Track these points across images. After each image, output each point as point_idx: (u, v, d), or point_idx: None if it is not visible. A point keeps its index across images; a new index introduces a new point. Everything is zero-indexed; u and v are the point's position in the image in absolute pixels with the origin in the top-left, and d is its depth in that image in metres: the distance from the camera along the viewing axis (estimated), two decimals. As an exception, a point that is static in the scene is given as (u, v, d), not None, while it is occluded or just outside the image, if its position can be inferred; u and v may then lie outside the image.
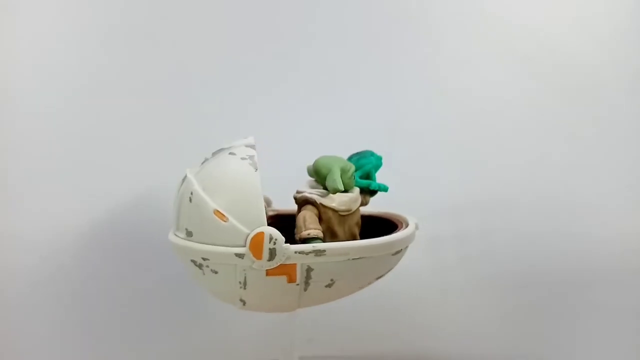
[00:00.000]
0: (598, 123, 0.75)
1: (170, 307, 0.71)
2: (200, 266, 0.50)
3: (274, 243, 0.47)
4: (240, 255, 0.47)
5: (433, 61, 0.75)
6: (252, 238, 0.47)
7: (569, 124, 0.75)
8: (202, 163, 0.53)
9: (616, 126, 0.75)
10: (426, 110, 0.74)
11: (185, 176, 0.51)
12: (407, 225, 0.54)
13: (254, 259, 0.47)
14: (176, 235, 0.51)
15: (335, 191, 0.52)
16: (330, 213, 0.52)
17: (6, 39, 0.67)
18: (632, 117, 0.75)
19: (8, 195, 0.67)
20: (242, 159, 0.50)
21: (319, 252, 0.48)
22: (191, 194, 0.49)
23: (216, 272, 0.49)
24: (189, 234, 0.50)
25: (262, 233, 0.47)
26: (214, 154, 0.53)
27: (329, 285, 0.50)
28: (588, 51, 0.74)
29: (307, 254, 0.48)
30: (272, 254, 0.47)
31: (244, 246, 0.47)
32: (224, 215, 0.48)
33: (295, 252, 0.48)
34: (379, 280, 0.54)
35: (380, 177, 0.57)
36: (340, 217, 0.52)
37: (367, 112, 0.74)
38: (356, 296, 0.54)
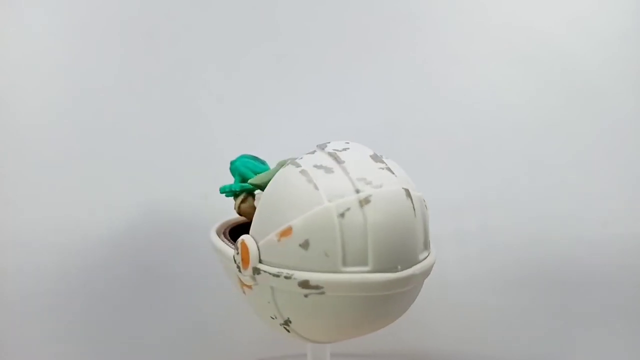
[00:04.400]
0: (598, 123, 0.75)
1: (171, 307, 0.71)
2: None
3: None
4: None
5: (433, 61, 0.75)
6: None
7: (569, 123, 0.75)
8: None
9: (616, 126, 0.75)
10: (426, 110, 0.75)
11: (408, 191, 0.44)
12: None
13: None
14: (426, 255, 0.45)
15: None
16: None
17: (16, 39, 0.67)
18: (632, 117, 0.75)
19: (9, 196, 0.68)
20: None
21: None
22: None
23: None
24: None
25: None
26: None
27: None
28: (588, 51, 0.74)
29: None
30: None
31: None
32: None
33: None
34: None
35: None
36: None
37: (366, 111, 0.74)
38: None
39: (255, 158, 0.56)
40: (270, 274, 0.42)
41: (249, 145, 0.72)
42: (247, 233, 0.51)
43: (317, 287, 0.41)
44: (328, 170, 0.43)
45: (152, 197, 0.70)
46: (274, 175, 0.46)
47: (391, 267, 0.41)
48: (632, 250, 0.73)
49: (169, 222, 0.71)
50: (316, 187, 0.41)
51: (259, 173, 0.54)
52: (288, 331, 0.45)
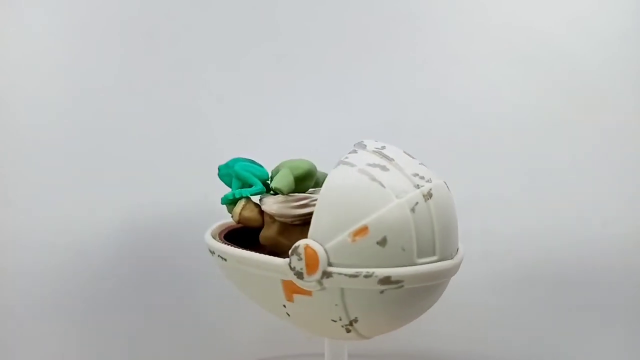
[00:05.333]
0: (598, 123, 0.75)
1: (171, 307, 0.71)
2: None
3: None
4: None
5: (433, 61, 0.75)
6: None
7: (569, 123, 0.75)
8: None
9: (616, 126, 0.75)
10: (426, 110, 0.75)
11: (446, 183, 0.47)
12: None
13: None
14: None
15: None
16: None
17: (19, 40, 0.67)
18: (632, 117, 0.75)
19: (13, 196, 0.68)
20: None
21: None
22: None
23: None
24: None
25: None
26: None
27: None
28: (588, 51, 0.74)
29: None
30: None
31: None
32: None
33: None
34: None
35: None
36: None
37: (366, 111, 0.74)
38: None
39: (252, 161, 0.54)
40: (345, 275, 0.41)
41: (249, 145, 0.73)
42: (241, 237, 0.51)
43: (397, 282, 0.42)
44: (383, 168, 0.44)
45: (152, 197, 0.70)
46: (289, 177, 0.47)
47: (448, 256, 0.45)
48: (632, 250, 0.73)
49: (168, 222, 0.71)
50: (382, 185, 0.42)
51: (261, 177, 0.52)
52: (348, 331, 0.45)
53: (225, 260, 0.48)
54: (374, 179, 0.43)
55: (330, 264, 0.42)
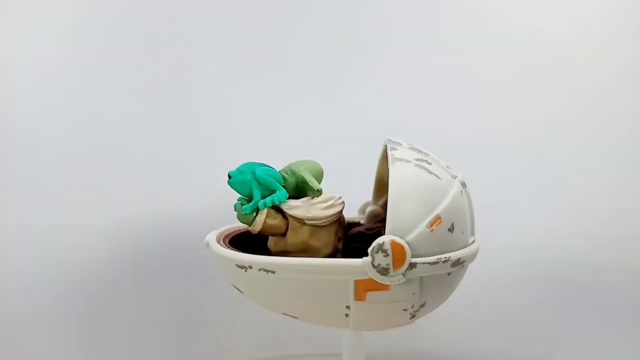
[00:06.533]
0: (598, 122, 0.75)
1: (171, 307, 0.71)
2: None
3: None
4: None
5: (433, 61, 0.75)
6: None
7: (569, 123, 0.75)
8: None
9: (616, 125, 0.75)
10: (427, 110, 0.75)
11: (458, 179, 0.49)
12: None
13: None
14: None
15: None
16: None
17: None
18: (632, 116, 0.75)
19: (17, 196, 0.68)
20: None
21: None
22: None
23: None
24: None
25: None
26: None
27: None
28: (588, 51, 0.74)
29: None
30: None
31: None
32: None
33: None
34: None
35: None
36: None
37: (366, 112, 0.74)
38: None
39: (265, 164, 0.50)
40: (428, 263, 0.44)
41: (249, 145, 0.73)
42: (243, 242, 0.50)
43: (462, 263, 0.46)
44: (427, 162, 0.47)
45: (152, 197, 0.70)
46: (309, 178, 0.47)
47: (473, 238, 0.50)
48: (633, 250, 0.73)
49: (169, 222, 0.71)
50: (438, 177, 0.46)
51: (280, 181, 0.49)
52: (412, 317, 0.47)
53: (274, 272, 0.45)
54: (430, 172, 0.46)
55: (413, 256, 0.44)
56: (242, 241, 0.52)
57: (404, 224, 0.44)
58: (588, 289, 0.73)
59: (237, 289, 0.49)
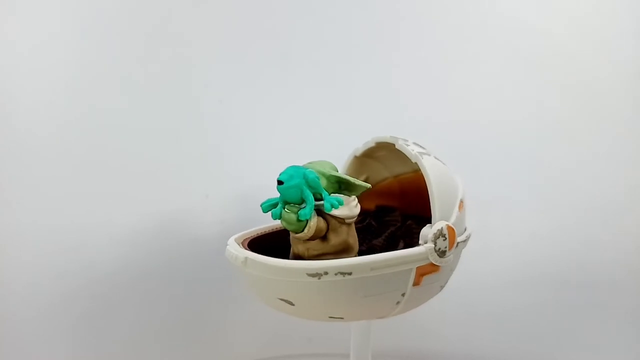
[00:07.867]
0: (598, 122, 0.75)
1: (172, 307, 0.71)
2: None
3: None
4: None
5: (433, 61, 0.75)
6: None
7: (569, 124, 0.75)
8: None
9: (616, 125, 0.75)
10: (426, 110, 0.75)
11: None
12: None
13: None
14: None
15: None
16: None
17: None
18: (632, 116, 0.75)
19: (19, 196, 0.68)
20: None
21: None
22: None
23: None
24: None
25: None
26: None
27: None
28: (588, 51, 0.74)
29: None
30: None
31: None
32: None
33: None
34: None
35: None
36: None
37: (366, 111, 0.74)
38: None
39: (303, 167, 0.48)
40: (463, 241, 0.51)
41: (249, 146, 0.73)
42: (259, 245, 0.51)
43: (468, 238, 0.53)
44: (429, 153, 0.53)
45: (152, 197, 0.70)
46: (352, 179, 0.48)
47: None
48: (633, 250, 0.73)
49: (169, 223, 0.71)
50: (446, 166, 0.53)
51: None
52: (440, 289, 0.52)
53: (350, 274, 0.44)
54: (444, 164, 0.53)
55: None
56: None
57: (445, 210, 0.49)
58: (588, 289, 0.73)
59: (287, 302, 0.46)
